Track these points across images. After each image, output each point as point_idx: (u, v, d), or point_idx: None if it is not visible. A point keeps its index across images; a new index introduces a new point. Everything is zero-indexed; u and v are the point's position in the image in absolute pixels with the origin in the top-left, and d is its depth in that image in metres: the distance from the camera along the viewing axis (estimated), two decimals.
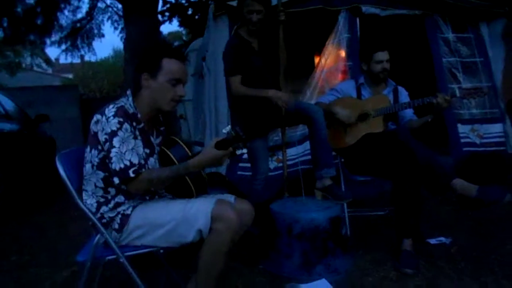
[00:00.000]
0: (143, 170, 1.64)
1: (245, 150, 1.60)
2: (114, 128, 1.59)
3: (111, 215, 1.68)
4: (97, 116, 1.64)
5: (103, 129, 1.61)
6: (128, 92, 1.77)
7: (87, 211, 1.66)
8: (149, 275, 2.28)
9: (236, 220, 1.61)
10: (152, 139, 1.81)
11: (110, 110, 1.62)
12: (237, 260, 2.50)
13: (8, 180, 3.86)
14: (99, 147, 1.64)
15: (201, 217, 1.60)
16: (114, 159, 1.59)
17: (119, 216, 1.68)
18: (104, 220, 1.68)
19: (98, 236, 1.65)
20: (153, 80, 1.72)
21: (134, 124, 1.67)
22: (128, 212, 1.68)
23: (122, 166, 1.59)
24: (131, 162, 1.60)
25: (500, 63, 3.95)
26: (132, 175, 1.60)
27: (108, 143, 1.60)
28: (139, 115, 1.72)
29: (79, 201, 1.65)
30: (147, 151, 1.75)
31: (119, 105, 1.64)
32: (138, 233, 1.67)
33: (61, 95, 9.78)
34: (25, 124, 4.89)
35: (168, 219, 1.64)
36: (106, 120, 1.60)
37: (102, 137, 1.62)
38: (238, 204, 1.82)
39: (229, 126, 1.61)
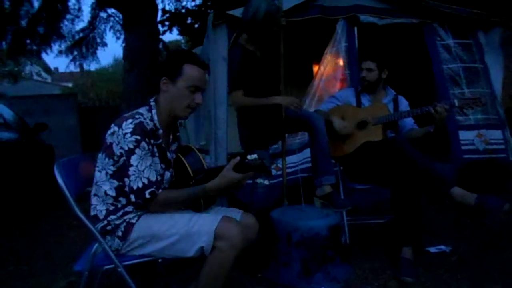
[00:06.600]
0: (160, 191, 1.64)
1: (266, 182, 1.54)
2: (131, 146, 1.58)
3: (117, 222, 1.67)
4: (114, 128, 1.62)
5: (118, 142, 1.59)
6: (152, 103, 1.73)
7: (85, 220, 1.64)
8: (147, 284, 2.26)
9: (241, 238, 1.58)
10: (168, 154, 1.78)
11: (128, 125, 1.59)
12: (236, 269, 2.48)
13: (6, 188, 3.85)
14: (115, 158, 1.62)
15: (204, 235, 1.57)
16: (132, 177, 1.59)
17: (124, 223, 1.66)
18: (109, 227, 1.66)
19: (96, 245, 1.64)
20: (172, 85, 1.70)
21: (152, 141, 1.66)
22: (133, 221, 1.67)
23: (140, 185, 1.59)
24: (149, 180, 1.60)
25: (499, 71, 3.96)
26: (147, 196, 1.60)
27: (124, 158, 1.59)
28: (160, 131, 1.70)
29: (77, 210, 1.64)
30: (163, 166, 1.73)
31: (137, 121, 1.61)
32: (139, 242, 1.65)
33: (60, 104, 9.78)
34: (23, 133, 4.88)
35: (171, 232, 1.62)
36: (122, 135, 1.58)
37: (117, 150, 1.60)
38: (244, 218, 1.81)
39: (256, 155, 1.56)
